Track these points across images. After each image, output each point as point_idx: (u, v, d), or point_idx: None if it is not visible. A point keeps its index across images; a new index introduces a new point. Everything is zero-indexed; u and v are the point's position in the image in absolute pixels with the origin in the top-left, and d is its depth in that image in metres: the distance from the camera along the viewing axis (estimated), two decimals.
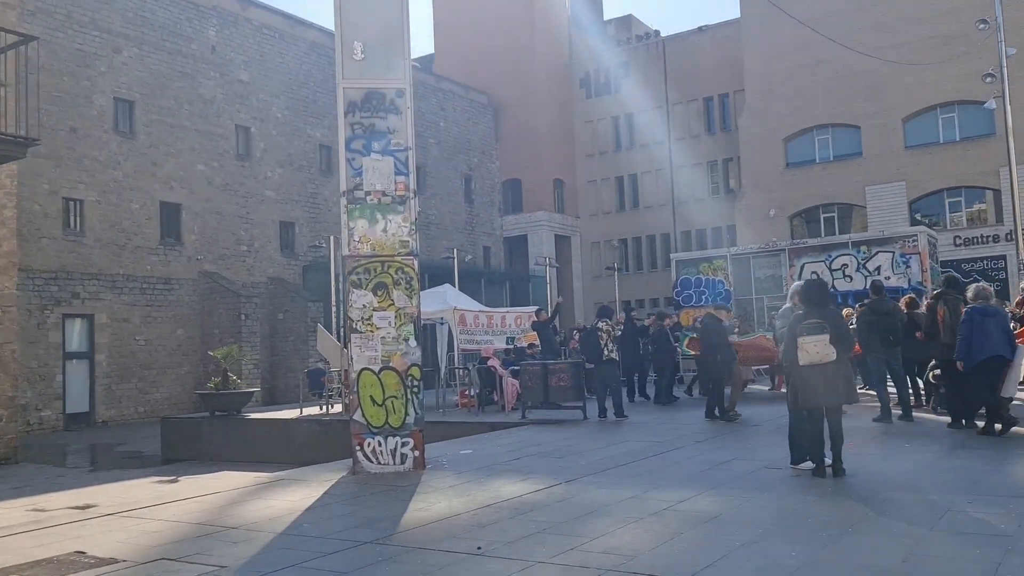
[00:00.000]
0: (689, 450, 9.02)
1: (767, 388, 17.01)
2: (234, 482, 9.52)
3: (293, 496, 7.30)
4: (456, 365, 17.45)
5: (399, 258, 8.47)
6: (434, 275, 29.29)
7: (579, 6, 49.09)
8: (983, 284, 10.54)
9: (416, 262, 8.57)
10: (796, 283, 8.35)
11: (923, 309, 10.38)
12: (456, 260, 29.69)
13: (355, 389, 8.39)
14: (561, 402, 12.91)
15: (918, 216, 35.48)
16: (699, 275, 26.88)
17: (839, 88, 37.51)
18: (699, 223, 43.82)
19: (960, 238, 34.81)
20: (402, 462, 8.38)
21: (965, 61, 34.33)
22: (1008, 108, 25.64)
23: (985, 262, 34.23)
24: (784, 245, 25.78)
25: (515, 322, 17.69)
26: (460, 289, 23.62)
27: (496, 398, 15.48)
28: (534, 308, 18.01)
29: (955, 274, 9.58)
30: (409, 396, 8.41)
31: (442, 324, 18.81)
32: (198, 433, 16.91)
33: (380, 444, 8.36)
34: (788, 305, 8.26)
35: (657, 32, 48.18)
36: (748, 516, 5.62)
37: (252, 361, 29.51)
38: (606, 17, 52.81)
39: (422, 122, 39.98)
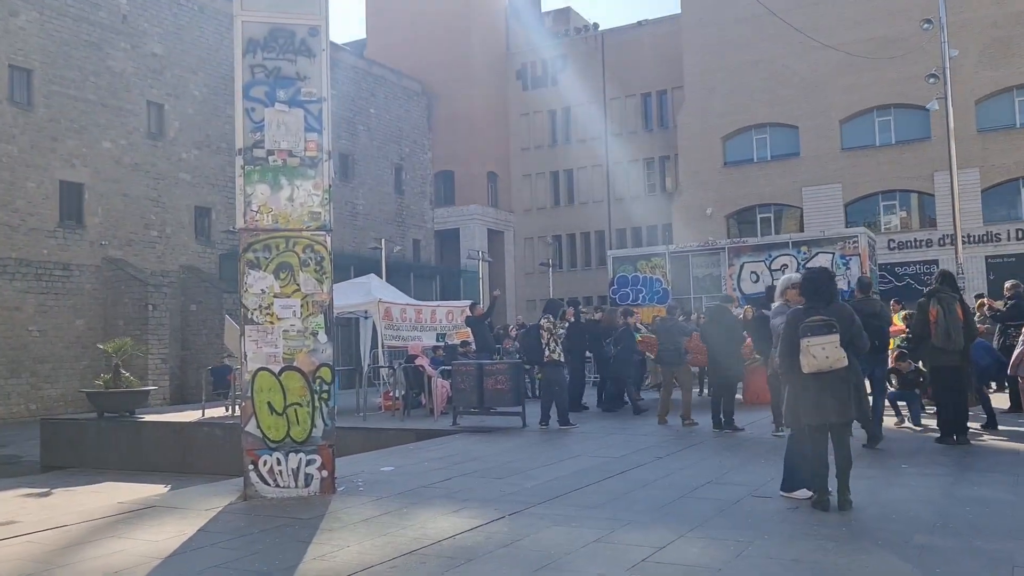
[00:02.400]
0: (652, 469, 7.67)
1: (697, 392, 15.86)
2: (103, 502, 7.80)
3: (159, 533, 5.66)
4: (380, 364, 15.80)
5: (308, 233, 6.89)
6: (360, 268, 27.57)
7: None
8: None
9: (329, 239, 6.99)
10: (787, 275, 7.08)
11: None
12: (384, 251, 27.93)
13: (248, 394, 6.77)
14: (498, 407, 11.47)
15: (854, 219, 35.25)
16: (636, 273, 26.06)
17: (778, 88, 37.13)
18: (635, 220, 43.13)
19: (894, 242, 34.73)
20: (306, 484, 6.80)
21: (903, 64, 34.29)
22: (951, 110, 25.31)
23: (918, 266, 34.18)
24: (724, 244, 25.09)
25: (446, 317, 16.17)
26: (388, 282, 21.92)
27: (424, 401, 13.93)
28: (468, 302, 16.49)
29: (950, 269, 8.50)
30: (317, 403, 6.84)
31: (366, 318, 17.16)
32: (83, 437, 14.87)
33: (279, 462, 6.75)
34: (779, 302, 6.96)
35: (596, 25, 47.22)
36: (757, 573, 4.27)
37: (160, 355, 27.28)
38: (544, 9, 51.62)
39: (351, 107, 38.12)
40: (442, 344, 15.65)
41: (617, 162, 44.04)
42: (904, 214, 36.20)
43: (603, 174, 44.48)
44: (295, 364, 6.81)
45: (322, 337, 6.87)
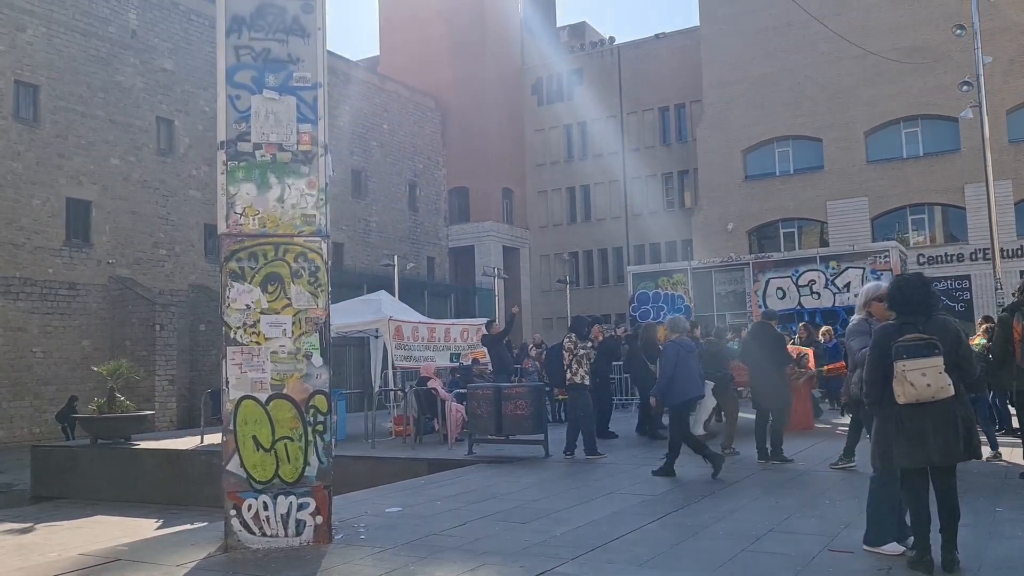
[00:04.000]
0: (699, 511, 6.64)
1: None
2: (81, 543, 6.86)
3: None
4: (391, 386, 14.81)
5: (301, 239, 5.95)
6: (373, 285, 26.72)
7: (531, 11, 47.18)
8: (679, 316, 9.97)
9: (326, 246, 6.05)
10: (872, 283, 6.07)
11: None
12: (397, 268, 27.04)
13: (231, 427, 5.81)
14: (518, 434, 10.45)
15: (880, 233, 34.08)
16: (657, 289, 25.14)
17: (800, 100, 36.16)
18: (653, 236, 42.17)
19: (924, 256, 33.50)
20: (298, 533, 5.81)
21: (929, 74, 33.29)
22: (985, 118, 24.25)
23: (949, 282, 32.92)
24: (748, 259, 24.17)
25: (461, 336, 15.17)
26: (401, 301, 20.99)
27: (437, 427, 12.93)
28: (484, 320, 15.49)
29: None
30: (311, 437, 5.87)
31: (376, 337, 16.23)
32: (74, 465, 13.94)
33: (266, 507, 5.77)
34: (859, 317, 5.94)
35: (612, 39, 46.49)
36: None
37: (167, 377, 26.46)
38: (559, 23, 50.97)
39: (364, 123, 37.51)
40: (457, 364, 14.69)
41: (634, 177, 43.13)
42: (933, 228, 35.02)
43: (620, 190, 43.57)
44: (285, 391, 5.85)
45: (317, 360, 5.91)
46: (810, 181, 36.18)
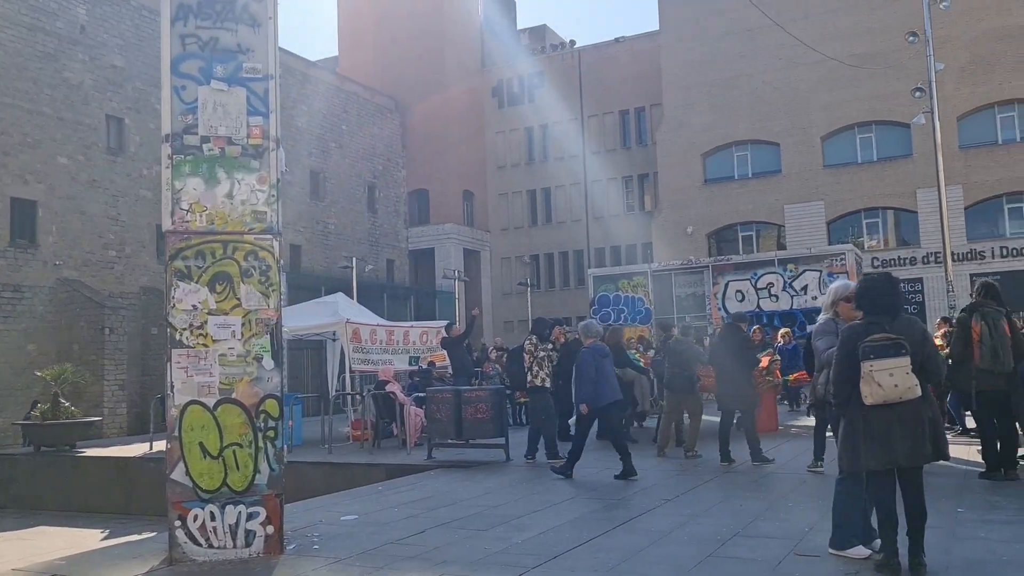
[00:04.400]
0: (664, 515, 6.51)
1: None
2: (24, 555, 6.51)
3: None
4: (349, 391, 14.50)
5: (251, 237, 5.70)
6: (331, 288, 26.22)
7: (492, 13, 47.02)
8: (592, 322, 10.04)
9: (278, 244, 5.81)
10: (839, 282, 6.00)
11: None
12: (355, 271, 26.64)
13: (176, 433, 5.54)
14: (478, 438, 10.26)
15: (836, 237, 34.59)
16: (618, 292, 25.22)
17: (759, 104, 36.52)
18: (614, 240, 42.30)
19: (878, 260, 34.02)
20: (247, 544, 5.55)
21: (884, 80, 33.86)
22: (937, 124, 24.73)
23: (902, 285, 33.42)
24: (708, 262, 24.33)
25: (420, 339, 14.94)
26: (360, 304, 20.65)
27: (396, 431, 12.68)
28: (443, 323, 15.26)
29: (992, 282, 7.50)
30: (261, 444, 5.62)
31: (334, 340, 15.90)
32: (15, 474, 13.40)
33: (213, 517, 5.51)
34: (826, 316, 5.86)
35: (572, 42, 46.56)
36: None
37: (116, 382, 25.71)
38: (520, 26, 50.93)
39: (323, 124, 36.99)
40: (416, 367, 14.45)
41: (595, 180, 43.23)
42: (887, 232, 35.65)
43: (581, 192, 43.63)
44: (234, 396, 5.59)
45: (268, 363, 5.66)
46: (768, 185, 36.57)
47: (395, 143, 42.44)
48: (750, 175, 37.26)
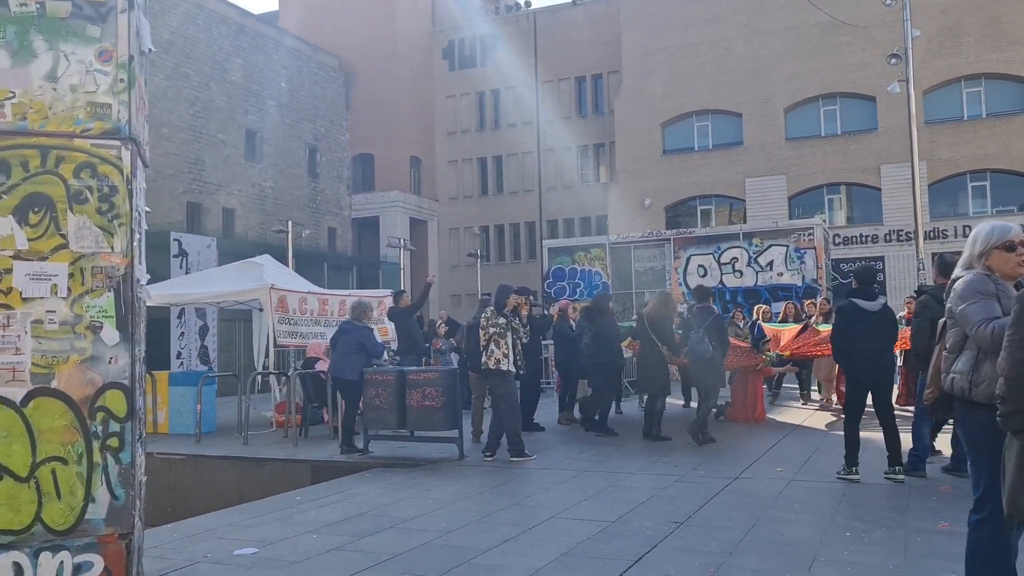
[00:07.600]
0: (685, 551, 4.77)
1: (681, 404, 13.17)
2: None
3: None
4: (274, 370, 12.42)
5: (86, 142, 3.73)
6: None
7: None
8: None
9: (129, 156, 3.85)
10: (988, 224, 4.34)
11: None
12: (291, 236, 24.38)
13: None
14: (426, 431, 8.44)
15: (798, 212, 33.49)
16: (574, 265, 23.95)
17: (721, 72, 35.06)
18: (568, 211, 40.72)
19: (840, 236, 33.02)
20: None
21: (849, 51, 32.70)
22: (912, 92, 23.58)
23: (865, 263, 32.53)
24: (669, 235, 23.04)
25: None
26: (298, 273, 18.50)
27: (326, 417, 10.77)
28: (389, 292, 13.33)
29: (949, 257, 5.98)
30: (98, 458, 3.69)
31: (261, 310, 13.85)
32: None
33: (19, 571, 3.59)
34: (976, 272, 4.14)
35: (528, 3, 44.51)
36: None
37: None
38: None
39: (260, 80, 34.32)
40: None
41: (549, 149, 41.47)
42: (850, 208, 34.67)
43: (535, 161, 41.84)
44: (56, 385, 3.65)
45: (110, 335, 3.71)
46: (729, 157, 35.25)
47: (339, 104, 39.93)
48: (711, 146, 35.86)
